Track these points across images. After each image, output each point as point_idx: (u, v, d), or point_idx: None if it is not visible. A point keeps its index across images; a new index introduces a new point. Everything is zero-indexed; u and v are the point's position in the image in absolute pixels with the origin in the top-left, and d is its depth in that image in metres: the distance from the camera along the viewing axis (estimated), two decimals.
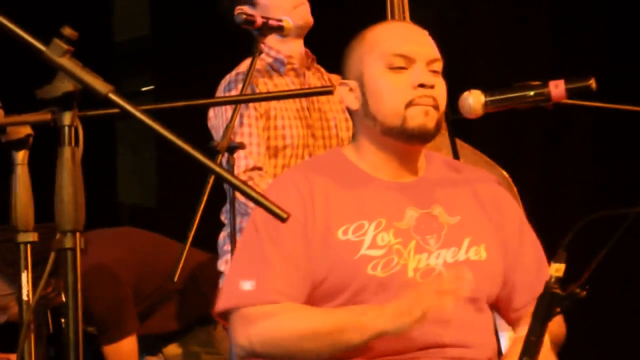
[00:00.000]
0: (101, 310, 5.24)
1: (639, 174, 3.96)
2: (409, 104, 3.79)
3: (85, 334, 5.41)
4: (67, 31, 2.51)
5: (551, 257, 3.55)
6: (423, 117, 3.80)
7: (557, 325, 3.84)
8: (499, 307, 4.01)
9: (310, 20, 5.34)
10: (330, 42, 4.73)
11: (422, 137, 3.85)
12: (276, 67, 5.35)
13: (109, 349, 5.74)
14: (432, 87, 3.82)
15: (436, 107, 3.83)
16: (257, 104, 5.19)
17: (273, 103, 5.23)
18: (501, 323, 4.22)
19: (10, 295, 5.19)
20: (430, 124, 3.82)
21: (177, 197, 5.82)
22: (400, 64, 3.84)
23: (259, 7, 5.29)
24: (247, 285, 3.79)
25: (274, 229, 3.77)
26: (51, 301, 5.42)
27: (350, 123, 5.10)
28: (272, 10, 5.23)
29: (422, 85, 3.80)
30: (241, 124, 5.11)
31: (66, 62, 2.50)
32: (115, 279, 5.42)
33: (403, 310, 3.60)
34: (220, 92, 5.29)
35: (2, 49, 2.47)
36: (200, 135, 5.19)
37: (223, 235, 5.34)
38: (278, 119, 5.27)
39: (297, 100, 5.31)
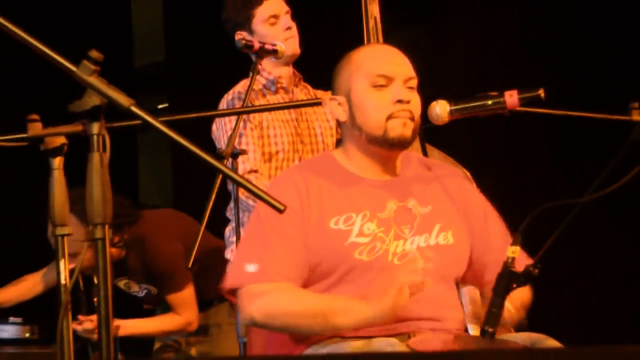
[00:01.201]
0: (166, 264, 5.25)
1: (585, 170, 3.97)
2: (389, 117, 3.83)
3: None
4: (94, 54, 2.52)
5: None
6: (401, 128, 3.84)
7: (524, 292, 3.87)
8: (475, 281, 4.03)
9: (297, 51, 5.34)
10: (315, 62, 4.74)
11: (400, 144, 3.88)
12: (268, 87, 5.35)
13: (176, 297, 5.75)
14: (408, 102, 3.85)
15: (412, 119, 3.86)
16: (252, 118, 5.21)
17: (265, 115, 5.24)
18: (464, 298, 4.22)
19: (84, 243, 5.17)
20: (408, 133, 3.86)
21: (190, 197, 5.81)
22: (382, 82, 3.87)
23: (256, 34, 5.29)
24: (251, 268, 3.82)
25: (275, 219, 3.78)
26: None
27: (334, 131, 5.14)
28: (267, 38, 5.23)
29: (400, 101, 3.83)
30: (240, 134, 5.12)
31: (94, 80, 2.51)
32: (172, 238, 5.41)
33: (381, 302, 3.65)
34: (222, 106, 5.30)
35: (39, 70, 2.47)
36: (207, 144, 5.20)
37: (228, 229, 5.33)
38: (270, 128, 5.27)
39: (286, 112, 5.31)
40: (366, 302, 3.69)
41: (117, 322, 5.59)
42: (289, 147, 5.28)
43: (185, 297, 5.75)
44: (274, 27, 5.32)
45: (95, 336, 5.36)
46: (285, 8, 5.38)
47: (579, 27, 7.28)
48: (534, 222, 3.42)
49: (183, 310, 5.79)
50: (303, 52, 5.37)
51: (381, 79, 3.88)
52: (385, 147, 3.90)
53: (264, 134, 5.26)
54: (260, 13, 5.35)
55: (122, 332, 5.68)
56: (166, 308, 5.93)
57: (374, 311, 3.66)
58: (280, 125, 5.30)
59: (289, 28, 5.31)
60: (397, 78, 3.88)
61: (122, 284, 5.89)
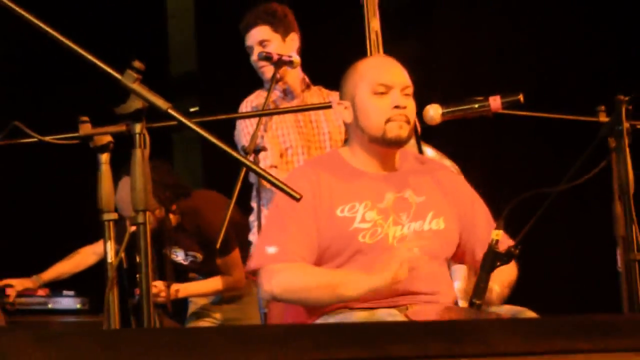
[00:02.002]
0: (218, 230, 5.24)
1: (558, 164, 3.96)
2: (388, 120, 3.84)
3: None
4: (137, 64, 2.53)
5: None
6: (398, 129, 3.85)
7: (510, 271, 3.87)
8: (465, 260, 4.04)
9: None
10: (326, 69, 4.74)
11: (397, 143, 3.89)
12: (286, 95, 5.37)
13: (228, 259, 5.73)
14: (404, 107, 3.86)
15: (408, 122, 3.87)
16: (272, 120, 5.24)
17: (275, 118, 5.25)
18: (454, 275, 4.22)
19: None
20: (404, 134, 3.87)
21: (218, 188, 5.78)
22: (382, 90, 3.88)
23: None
24: (271, 250, 3.83)
25: (291, 208, 3.79)
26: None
27: (343, 129, 5.13)
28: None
29: (397, 107, 3.85)
30: (261, 135, 5.15)
31: (136, 86, 2.52)
32: (221, 208, 5.39)
33: (386, 274, 3.66)
34: (242, 109, 5.32)
35: (88, 78, 2.47)
36: (232, 142, 5.21)
37: (252, 215, 5.33)
38: (279, 129, 5.27)
39: (295, 115, 5.32)
40: (369, 275, 3.71)
41: (176, 285, 5.63)
42: (296, 144, 5.29)
43: (235, 259, 5.74)
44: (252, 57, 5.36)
45: (160, 299, 5.47)
46: (259, 38, 5.37)
47: (554, 40, 7.27)
48: (515, 208, 3.43)
49: (233, 270, 5.78)
50: (316, 61, 5.35)
51: (381, 87, 3.89)
52: (384, 146, 3.91)
53: (274, 134, 5.27)
54: (246, 42, 5.39)
55: (182, 294, 5.71)
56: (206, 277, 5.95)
57: (376, 282, 3.67)
58: (287, 126, 5.31)
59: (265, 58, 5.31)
60: (395, 86, 3.90)
61: (170, 252, 5.88)
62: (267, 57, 5.13)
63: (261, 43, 5.34)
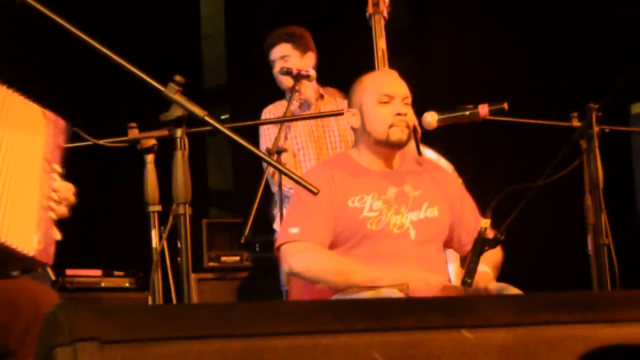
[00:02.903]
0: None
1: (537, 163, 3.96)
2: (391, 126, 3.89)
3: None
4: (177, 78, 2.53)
5: (482, 216, 3.60)
6: (400, 133, 3.89)
7: (497, 255, 3.88)
8: (453, 246, 4.07)
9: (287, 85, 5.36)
10: (339, 80, 4.74)
11: (399, 145, 3.94)
12: (304, 106, 5.38)
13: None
14: (405, 115, 3.91)
15: (407, 126, 3.92)
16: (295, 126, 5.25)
17: (292, 124, 5.26)
18: (448, 258, 4.23)
19: None
20: (404, 137, 3.92)
21: (246, 184, 5.78)
22: (385, 99, 3.91)
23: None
24: (294, 230, 3.86)
25: (312, 198, 3.80)
26: None
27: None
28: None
29: (398, 114, 3.88)
30: (287, 137, 5.16)
31: (177, 97, 2.52)
32: None
33: (388, 278, 3.70)
34: (263, 116, 5.33)
35: (135, 89, 2.48)
36: (257, 146, 5.22)
37: (275, 208, 5.33)
38: (294, 132, 5.29)
39: (308, 121, 5.32)
40: (377, 271, 3.74)
41: None
42: (306, 145, 5.29)
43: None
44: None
45: None
46: (281, 54, 5.37)
47: (534, 56, 7.26)
48: (501, 201, 3.43)
49: None
50: (332, 73, 5.35)
51: (385, 97, 3.92)
52: (388, 147, 3.94)
53: (289, 137, 5.29)
54: (270, 56, 5.39)
55: None
56: None
57: (380, 282, 3.71)
58: (301, 130, 5.32)
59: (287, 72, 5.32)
60: (396, 97, 3.92)
61: None
62: (288, 72, 5.14)
63: (282, 58, 5.34)
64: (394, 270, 3.75)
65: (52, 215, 2.71)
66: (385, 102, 3.92)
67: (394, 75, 4.14)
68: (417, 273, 3.77)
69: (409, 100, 3.98)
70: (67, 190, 2.77)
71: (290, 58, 5.33)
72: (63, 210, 2.76)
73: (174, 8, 7.29)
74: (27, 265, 2.64)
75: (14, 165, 2.62)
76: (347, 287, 3.78)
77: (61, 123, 2.80)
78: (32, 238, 2.61)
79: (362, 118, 3.97)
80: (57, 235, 2.74)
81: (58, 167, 2.76)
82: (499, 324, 1.62)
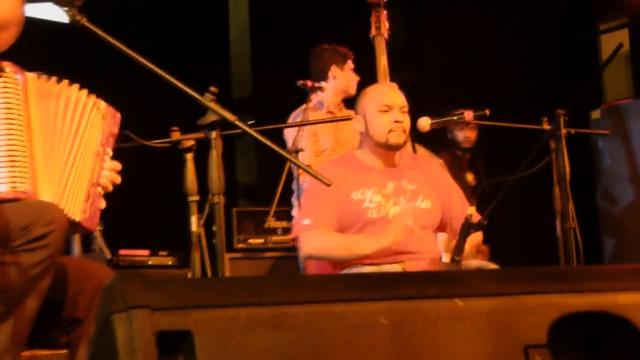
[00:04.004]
0: None
1: (513, 159, 3.96)
2: (390, 131, 3.88)
3: None
4: (212, 89, 2.52)
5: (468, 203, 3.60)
6: (397, 138, 3.88)
7: (478, 236, 3.87)
8: (446, 230, 4.03)
9: (352, 92, 5.34)
10: None
11: (397, 148, 3.94)
12: (319, 108, 5.35)
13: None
14: (402, 122, 3.89)
15: (404, 132, 3.91)
16: (309, 129, 5.22)
17: (317, 127, 5.24)
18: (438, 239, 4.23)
19: None
20: (401, 140, 3.91)
21: (269, 178, 5.76)
22: (385, 109, 3.90)
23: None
24: (306, 221, 3.84)
25: (321, 193, 3.80)
26: None
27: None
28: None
29: (396, 122, 3.87)
30: (303, 138, 5.15)
31: (212, 104, 2.51)
32: None
33: (388, 236, 3.65)
34: (290, 120, 5.32)
35: (177, 97, 2.50)
36: (280, 144, 5.21)
37: (293, 197, 5.33)
38: (320, 135, 5.27)
39: (330, 125, 5.31)
40: (377, 236, 3.72)
41: None
42: (330, 146, 5.28)
43: None
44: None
45: None
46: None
47: (509, 71, 7.26)
48: (484, 190, 3.42)
49: None
50: None
51: (384, 106, 3.91)
52: (387, 149, 3.93)
53: (316, 139, 5.27)
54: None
55: None
56: None
57: (382, 242, 3.69)
58: (325, 133, 5.30)
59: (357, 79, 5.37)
60: (395, 106, 3.90)
61: None
62: (303, 85, 5.13)
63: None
64: (389, 233, 3.73)
65: (100, 190, 2.69)
66: (385, 111, 3.90)
67: (393, 87, 4.12)
68: (403, 223, 3.76)
69: (406, 109, 3.96)
70: (114, 168, 2.75)
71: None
72: (105, 183, 2.72)
73: (208, 32, 7.33)
74: (74, 230, 2.62)
75: (71, 146, 2.61)
76: (353, 258, 3.77)
77: (118, 116, 2.79)
78: (80, 207, 2.59)
79: (366, 124, 3.95)
80: (102, 204, 2.72)
81: (110, 151, 2.75)
82: (485, 294, 1.61)
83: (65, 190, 2.55)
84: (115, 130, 2.77)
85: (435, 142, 5.50)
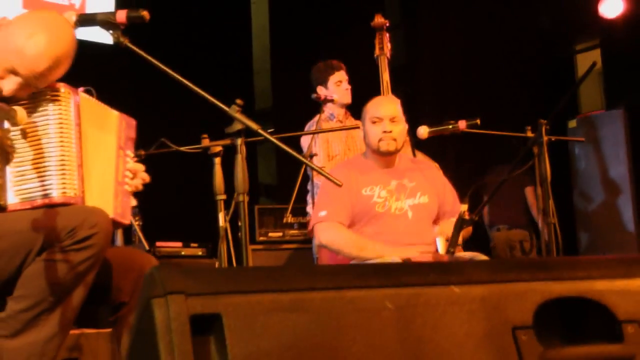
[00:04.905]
0: None
1: (501, 162, 3.97)
2: (379, 140, 3.90)
3: None
4: (238, 101, 2.51)
5: (460, 201, 3.58)
6: (387, 145, 3.90)
7: (468, 230, 3.84)
8: (438, 223, 4.03)
9: (344, 101, 5.30)
10: (356, 102, 4.73)
11: (388, 154, 3.94)
12: (331, 119, 5.33)
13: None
14: (390, 131, 3.90)
15: (394, 140, 3.90)
16: (322, 136, 5.20)
17: (329, 134, 5.22)
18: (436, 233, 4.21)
19: None
20: (391, 148, 3.91)
21: (286, 179, 5.76)
22: (375, 120, 3.94)
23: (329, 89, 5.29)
24: (323, 212, 3.84)
25: (335, 190, 3.79)
26: None
27: None
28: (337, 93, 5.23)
29: (385, 132, 3.88)
30: (316, 145, 5.13)
31: (238, 115, 2.49)
32: None
33: (392, 255, 3.67)
34: (306, 129, 5.30)
35: (207, 108, 2.49)
36: (296, 150, 5.18)
37: (308, 195, 5.32)
38: (331, 142, 5.25)
39: (340, 133, 5.28)
40: (383, 246, 3.71)
41: None
42: (340, 152, 5.26)
43: None
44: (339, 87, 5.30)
45: None
46: (346, 77, 5.33)
47: (497, 85, 7.24)
48: (475, 191, 3.41)
49: None
50: (352, 98, 5.33)
51: (375, 118, 3.94)
52: (379, 155, 3.95)
53: (329, 145, 5.25)
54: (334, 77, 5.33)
55: None
56: None
57: (386, 253, 3.69)
58: (336, 140, 5.28)
59: (347, 88, 5.30)
60: (384, 118, 3.92)
61: None
62: (317, 98, 5.12)
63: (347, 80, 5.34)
64: (395, 248, 3.73)
65: (127, 188, 2.66)
66: (375, 122, 3.92)
67: (385, 100, 4.14)
68: (411, 251, 3.75)
69: (398, 119, 3.94)
70: (139, 169, 2.73)
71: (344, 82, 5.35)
72: (137, 183, 2.70)
73: (233, 53, 7.35)
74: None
75: (97, 153, 2.59)
76: (360, 258, 3.77)
77: (132, 121, 2.74)
78: (112, 205, 2.58)
79: (365, 133, 3.99)
80: (133, 202, 2.69)
81: (130, 153, 2.71)
82: (478, 281, 1.60)
83: (101, 192, 2.55)
84: (132, 134, 2.74)
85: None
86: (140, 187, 2.71)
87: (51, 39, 2.37)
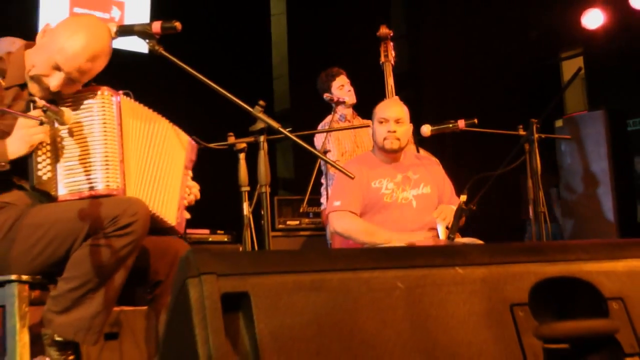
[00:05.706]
0: None
1: (495, 158, 3.95)
2: (384, 139, 3.89)
3: None
4: (261, 102, 2.50)
5: (459, 194, 3.56)
6: (391, 144, 3.90)
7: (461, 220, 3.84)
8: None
9: (354, 101, 5.27)
10: (363, 107, 4.70)
11: (392, 152, 3.94)
12: (341, 119, 5.31)
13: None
14: (394, 131, 3.89)
15: (398, 139, 3.89)
16: (334, 134, 5.18)
17: (340, 132, 5.19)
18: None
19: None
20: (395, 147, 3.91)
21: (303, 173, 5.75)
22: (382, 120, 3.93)
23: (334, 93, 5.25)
24: (337, 202, 3.84)
25: (348, 182, 3.79)
26: None
27: None
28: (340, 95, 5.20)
29: (389, 131, 3.87)
30: (329, 142, 5.12)
31: (261, 115, 2.49)
32: None
33: (402, 240, 3.67)
34: (319, 128, 5.29)
35: (232, 109, 2.49)
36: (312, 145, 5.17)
37: (322, 188, 5.31)
38: (341, 139, 5.23)
39: (349, 131, 5.26)
40: (393, 233, 3.70)
41: None
42: (349, 148, 5.25)
43: None
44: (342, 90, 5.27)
45: None
46: (347, 80, 5.29)
47: (493, 88, 7.22)
48: (473, 184, 3.39)
49: None
50: (360, 101, 5.30)
51: (381, 119, 3.94)
52: (385, 152, 3.94)
53: (340, 142, 5.24)
54: (335, 83, 5.31)
55: None
56: None
57: (396, 240, 3.68)
58: (346, 138, 5.27)
59: (349, 90, 5.27)
60: (390, 119, 3.91)
61: None
62: (330, 99, 5.10)
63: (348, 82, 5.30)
64: (401, 234, 3.72)
65: (185, 202, 2.71)
66: (382, 122, 3.90)
67: (392, 103, 4.13)
68: (415, 236, 3.74)
69: (402, 120, 3.93)
70: (195, 187, 2.78)
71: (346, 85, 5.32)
72: (191, 199, 2.77)
73: (255, 60, 7.35)
74: (168, 232, 2.65)
75: (170, 169, 2.66)
76: (370, 244, 3.75)
77: (195, 145, 2.83)
78: (174, 214, 2.63)
79: (373, 132, 3.98)
80: (187, 215, 2.75)
81: (190, 173, 2.79)
82: (479, 263, 1.59)
83: (158, 197, 2.57)
84: (194, 157, 2.82)
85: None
86: (193, 202, 2.76)
87: (88, 37, 2.40)
